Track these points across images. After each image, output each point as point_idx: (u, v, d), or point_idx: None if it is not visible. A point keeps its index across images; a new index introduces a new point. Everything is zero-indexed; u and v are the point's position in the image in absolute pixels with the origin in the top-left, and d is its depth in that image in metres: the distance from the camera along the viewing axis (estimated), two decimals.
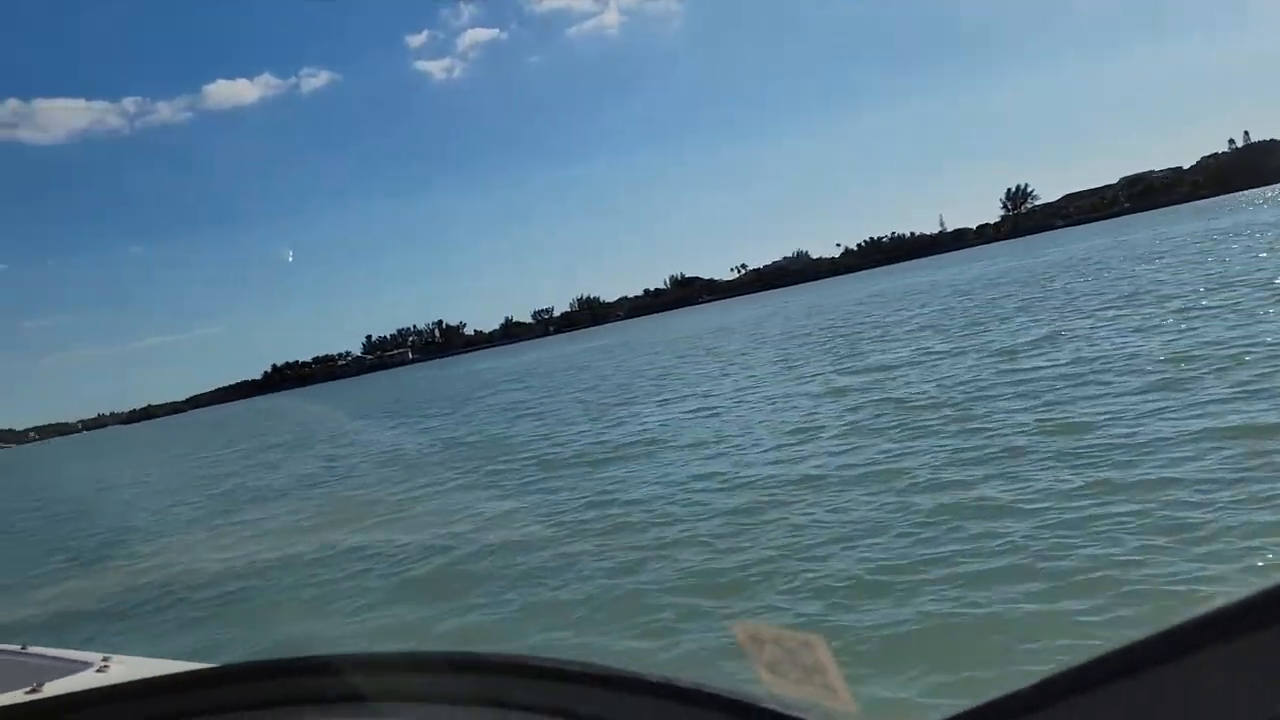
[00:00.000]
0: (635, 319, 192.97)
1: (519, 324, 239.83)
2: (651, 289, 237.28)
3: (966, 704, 0.66)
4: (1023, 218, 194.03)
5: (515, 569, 8.49)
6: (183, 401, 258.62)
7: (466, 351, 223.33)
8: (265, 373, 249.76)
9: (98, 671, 1.89)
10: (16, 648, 2.27)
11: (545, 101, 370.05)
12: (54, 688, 1.63)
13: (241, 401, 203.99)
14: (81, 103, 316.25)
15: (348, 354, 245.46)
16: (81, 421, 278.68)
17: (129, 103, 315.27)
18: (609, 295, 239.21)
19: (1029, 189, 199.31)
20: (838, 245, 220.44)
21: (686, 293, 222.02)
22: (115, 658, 2.00)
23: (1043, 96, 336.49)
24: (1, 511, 27.16)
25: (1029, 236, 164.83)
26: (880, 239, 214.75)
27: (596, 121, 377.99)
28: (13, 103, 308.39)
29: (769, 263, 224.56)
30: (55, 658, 2.11)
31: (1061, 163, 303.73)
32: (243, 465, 25.06)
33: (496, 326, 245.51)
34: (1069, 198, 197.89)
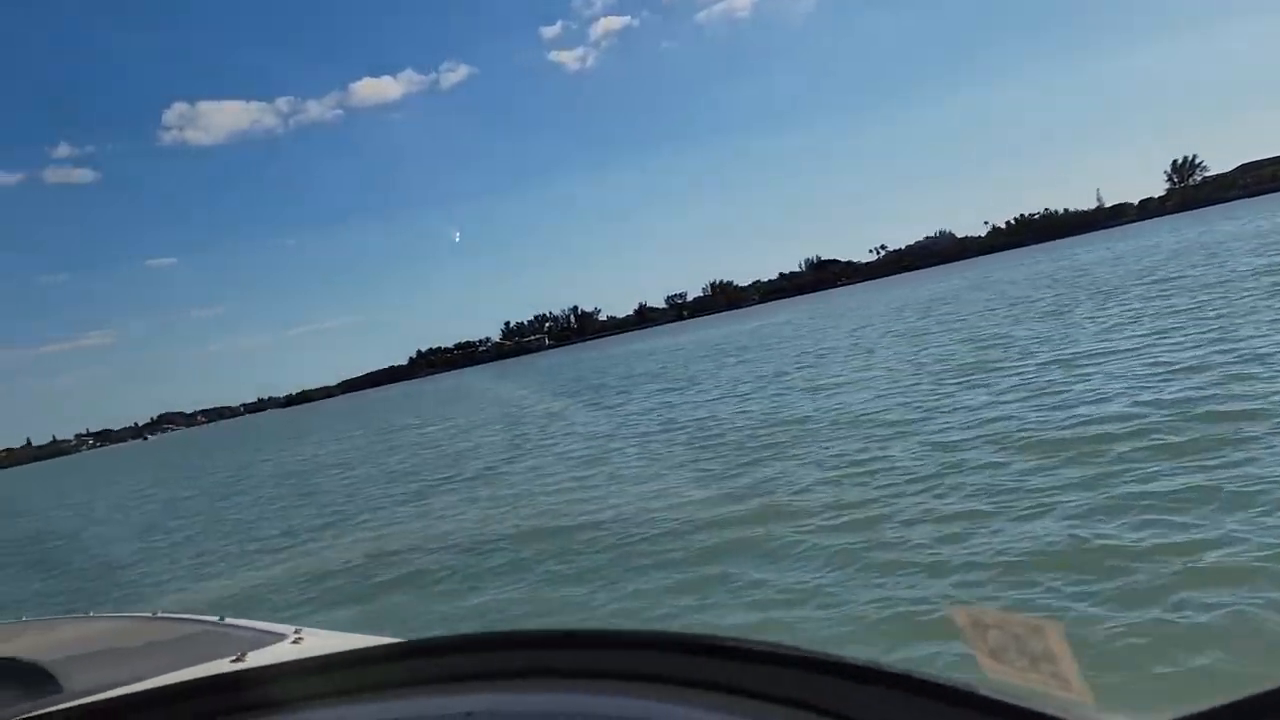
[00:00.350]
0: (770, 303, 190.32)
1: (652, 309, 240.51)
2: (786, 272, 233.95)
3: (1208, 704, 0.62)
4: (1191, 190, 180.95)
5: (738, 551, 7.93)
6: (334, 386, 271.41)
7: (600, 337, 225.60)
8: (410, 358, 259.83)
9: (293, 643, 1.97)
10: (215, 619, 2.36)
11: (677, 86, 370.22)
12: (255, 657, 1.75)
13: (398, 384, 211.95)
14: (240, 104, 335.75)
15: (487, 340, 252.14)
16: (243, 405, 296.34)
17: (282, 102, 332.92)
18: (741, 279, 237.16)
19: (1197, 160, 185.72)
20: (985, 224, 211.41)
21: (823, 275, 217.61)
22: (306, 630, 2.07)
23: (1209, 60, 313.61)
24: (198, 490, 28.44)
25: (1199, 210, 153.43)
26: (1031, 216, 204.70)
27: (728, 104, 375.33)
28: (180, 106, 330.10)
29: (911, 243, 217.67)
30: (252, 629, 2.20)
31: (1233, 132, 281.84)
32: (462, 441, 24.89)
33: (630, 312, 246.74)
34: (1244, 168, 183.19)
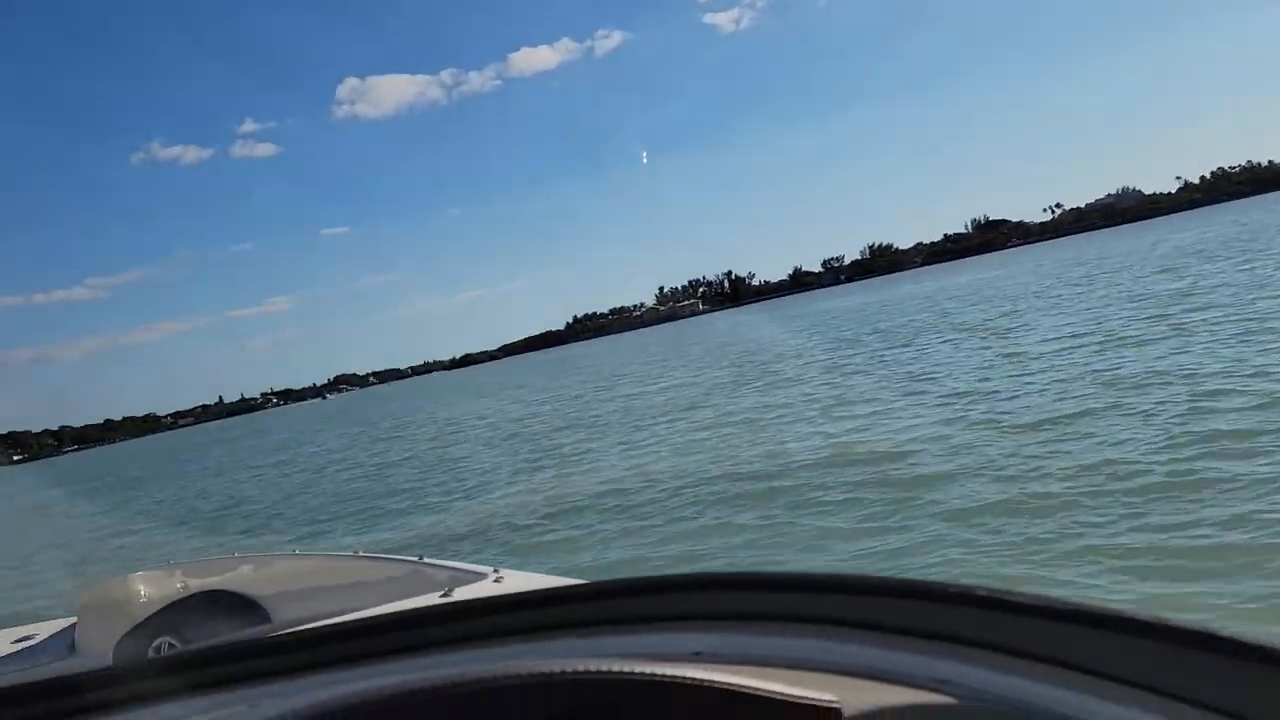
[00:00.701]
0: (933, 266, 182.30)
1: (808, 273, 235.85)
2: (951, 233, 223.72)
3: None
4: None
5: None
6: (495, 350, 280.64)
7: (756, 301, 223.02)
8: (566, 322, 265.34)
9: (494, 581, 2.00)
10: (415, 558, 2.38)
11: (834, 46, 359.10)
12: (461, 593, 1.79)
13: (555, 348, 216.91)
14: (406, 78, 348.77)
15: (640, 305, 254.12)
16: (410, 367, 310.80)
17: (445, 75, 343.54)
18: (902, 242, 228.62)
19: None
20: (1177, 179, 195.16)
21: (991, 237, 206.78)
22: (504, 570, 2.08)
23: None
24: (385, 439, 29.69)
25: None
26: (1229, 170, 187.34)
27: (888, 63, 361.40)
28: (351, 81, 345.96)
29: (1091, 201, 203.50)
30: (452, 568, 2.22)
31: None
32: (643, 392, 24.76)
33: (785, 276, 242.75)
34: None
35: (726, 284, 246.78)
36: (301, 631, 1.14)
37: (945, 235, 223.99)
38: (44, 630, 2.82)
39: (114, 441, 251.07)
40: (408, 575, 2.30)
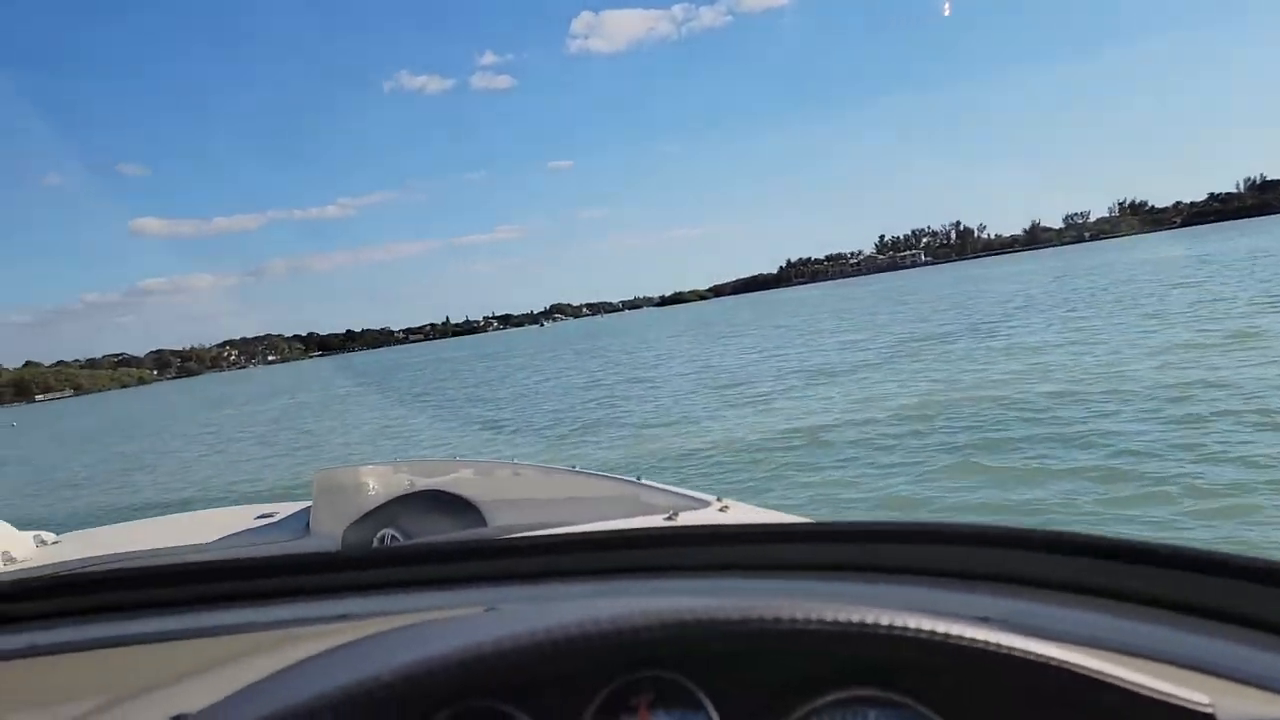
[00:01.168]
0: (1195, 227, 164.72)
1: (1045, 229, 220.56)
2: (1218, 193, 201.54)
3: None
4: None
5: None
6: (705, 290, 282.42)
7: (983, 256, 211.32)
8: (780, 266, 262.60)
9: (719, 510, 1.93)
10: (634, 479, 2.32)
11: None
12: (685, 519, 1.73)
13: (768, 291, 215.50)
14: (639, 12, 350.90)
15: (859, 253, 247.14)
16: (621, 301, 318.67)
17: (677, 9, 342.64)
18: (1158, 200, 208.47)
19: None
20: None
21: (1268, 199, 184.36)
22: (729, 500, 1.99)
23: None
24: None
25: None
26: None
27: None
28: (586, 15, 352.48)
29: None
30: (675, 493, 2.13)
31: None
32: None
33: (1019, 231, 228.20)
34: None
35: (953, 235, 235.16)
36: (533, 538, 1.20)
37: (1211, 194, 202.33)
38: (283, 510, 2.96)
39: (352, 350, 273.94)
40: (627, 495, 2.26)
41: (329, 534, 2.82)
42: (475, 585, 0.97)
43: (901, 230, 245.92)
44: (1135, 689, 0.61)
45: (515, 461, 2.91)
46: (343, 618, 0.84)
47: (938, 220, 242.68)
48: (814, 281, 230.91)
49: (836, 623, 0.63)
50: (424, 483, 2.65)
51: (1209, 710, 0.61)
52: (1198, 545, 0.80)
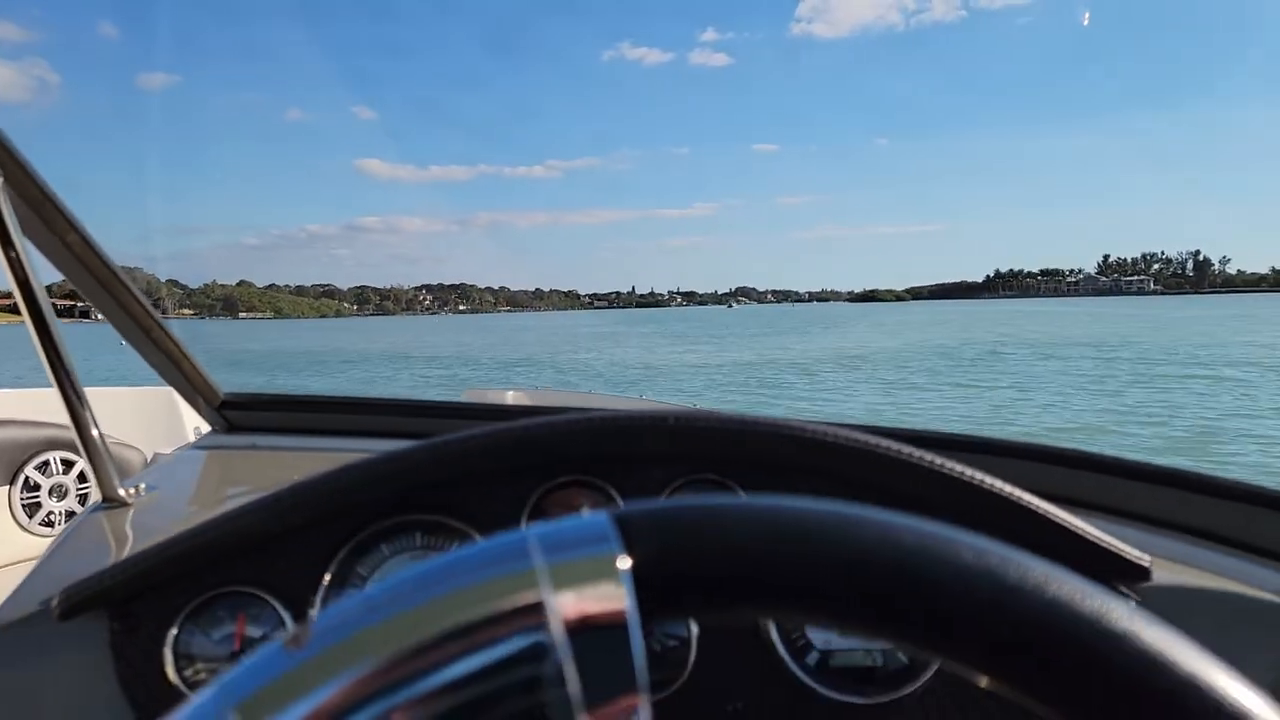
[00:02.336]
0: None
1: None
2: None
3: None
4: None
5: None
6: (901, 290, 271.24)
7: (1223, 291, 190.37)
8: (986, 276, 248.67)
9: None
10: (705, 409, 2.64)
11: None
12: None
13: (972, 300, 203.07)
14: None
15: (1079, 271, 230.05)
16: (809, 293, 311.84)
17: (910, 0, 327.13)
18: None
19: None
20: None
21: None
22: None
23: None
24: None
25: None
26: None
27: None
28: None
29: None
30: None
31: None
32: None
33: (1267, 269, 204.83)
34: None
35: (1191, 265, 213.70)
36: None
37: None
38: None
39: (540, 309, 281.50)
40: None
41: None
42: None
43: (1129, 253, 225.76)
44: (1094, 539, 0.76)
45: (591, 393, 3.36)
46: None
47: (1171, 247, 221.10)
48: (1024, 296, 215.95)
49: (874, 448, 0.77)
50: (557, 405, 2.83)
51: (1145, 563, 0.77)
52: (1175, 466, 0.98)
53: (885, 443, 0.77)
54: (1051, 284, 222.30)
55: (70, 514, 2.46)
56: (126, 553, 0.94)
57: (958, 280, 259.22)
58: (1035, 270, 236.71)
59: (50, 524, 2.43)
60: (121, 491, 1.09)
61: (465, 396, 3.21)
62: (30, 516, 2.37)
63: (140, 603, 0.78)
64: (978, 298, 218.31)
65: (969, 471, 0.77)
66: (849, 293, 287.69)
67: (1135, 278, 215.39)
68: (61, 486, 2.44)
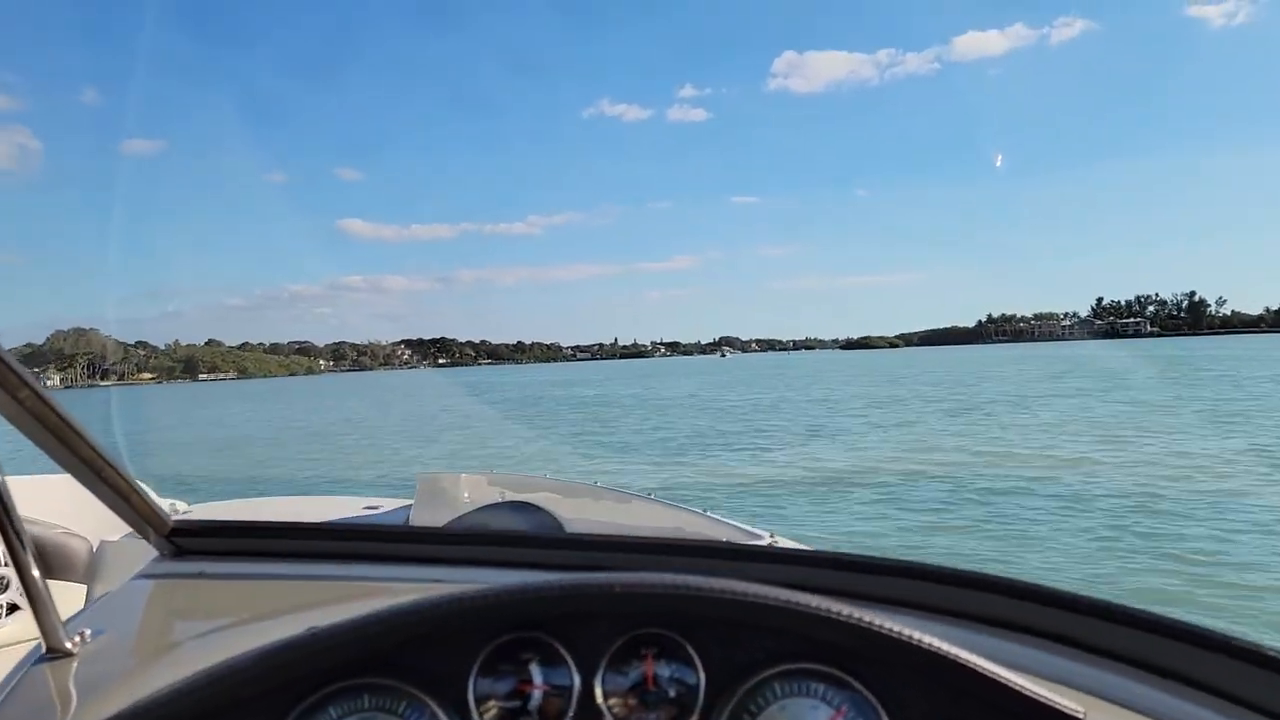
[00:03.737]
0: None
1: None
2: None
3: None
4: None
5: None
6: (892, 336, 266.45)
7: (1221, 333, 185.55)
8: (979, 321, 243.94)
9: (766, 542, 2.22)
10: (700, 511, 2.64)
11: None
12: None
13: (966, 347, 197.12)
14: (843, 54, 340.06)
15: (1073, 315, 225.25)
16: (793, 341, 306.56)
17: (882, 54, 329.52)
18: None
19: None
20: None
21: None
22: (780, 538, 2.25)
23: None
24: None
25: None
26: None
27: None
28: (789, 55, 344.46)
29: None
30: (733, 526, 2.42)
31: None
32: None
33: (1263, 310, 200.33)
34: None
35: (1184, 306, 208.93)
36: (590, 536, 1.53)
37: None
38: (388, 504, 3.11)
39: (521, 362, 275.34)
40: (689, 523, 2.52)
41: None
42: (536, 569, 1.18)
43: (1122, 295, 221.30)
44: (1027, 693, 0.79)
45: (597, 485, 3.19)
46: (435, 581, 1.02)
47: (1165, 289, 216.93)
48: (1016, 341, 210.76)
49: (806, 607, 0.82)
50: (513, 495, 2.77)
51: (1079, 715, 0.79)
52: (1103, 597, 1.03)
53: (827, 606, 0.82)
54: (1046, 327, 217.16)
55: (12, 607, 2.40)
56: (72, 714, 0.95)
57: (948, 325, 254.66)
58: (1028, 314, 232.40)
59: None
60: (66, 642, 1.08)
61: (419, 482, 3.04)
62: None
63: None
64: (970, 343, 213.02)
65: (899, 629, 0.81)
66: (835, 340, 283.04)
67: (1131, 320, 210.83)
68: (2, 579, 2.37)
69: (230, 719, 0.79)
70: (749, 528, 2.33)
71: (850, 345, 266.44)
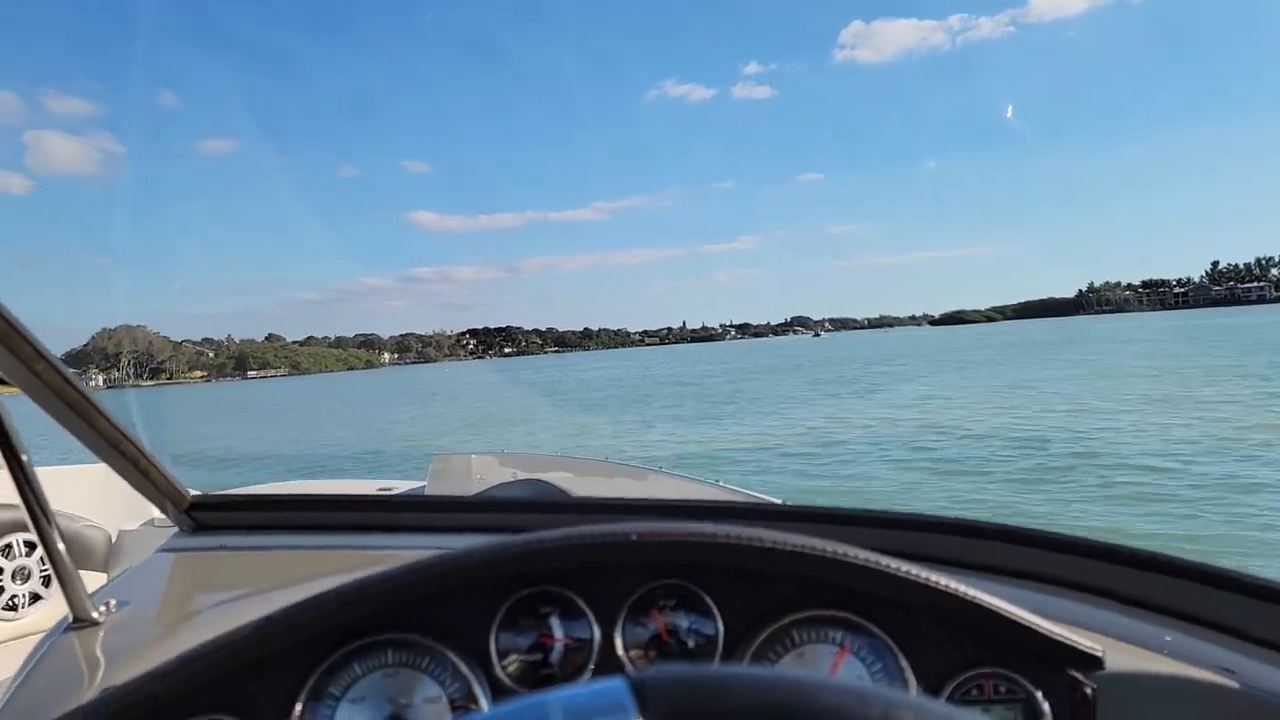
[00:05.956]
0: None
1: None
2: None
3: None
4: None
5: None
6: (985, 310, 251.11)
7: None
8: (1079, 291, 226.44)
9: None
10: (714, 483, 2.60)
11: None
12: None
13: (1065, 319, 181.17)
14: (913, 22, 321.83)
15: (1186, 280, 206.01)
16: (867, 319, 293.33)
17: (954, 20, 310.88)
18: None
19: None
20: None
21: None
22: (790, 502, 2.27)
23: None
24: None
25: None
26: None
27: None
28: (856, 25, 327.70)
29: None
30: (744, 494, 2.41)
31: None
32: None
33: None
34: None
35: None
36: (601, 499, 1.55)
37: None
38: (401, 485, 3.06)
39: (588, 349, 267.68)
40: (703, 491, 2.48)
41: None
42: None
43: (1241, 258, 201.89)
44: (1045, 632, 0.81)
45: (608, 460, 3.19)
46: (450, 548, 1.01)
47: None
48: (1122, 311, 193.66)
49: (822, 552, 0.81)
50: (525, 474, 2.73)
51: (1097, 653, 0.81)
52: (1119, 542, 1.05)
53: (844, 550, 0.82)
54: (1155, 296, 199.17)
55: (35, 596, 2.51)
56: (100, 679, 0.97)
57: (1045, 297, 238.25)
58: (1135, 282, 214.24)
59: (14, 607, 2.46)
60: (93, 612, 1.12)
61: (432, 463, 2.97)
62: None
63: None
64: (1070, 314, 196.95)
65: (916, 571, 0.81)
66: (913, 317, 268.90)
67: (1253, 285, 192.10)
68: (25, 569, 2.46)
69: (256, 676, 0.80)
70: (763, 496, 2.30)
71: (942, 321, 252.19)
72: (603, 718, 0.34)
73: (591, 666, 0.83)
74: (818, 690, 0.35)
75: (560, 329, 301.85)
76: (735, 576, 0.84)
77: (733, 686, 0.36)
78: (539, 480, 2.48)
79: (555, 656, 0.84)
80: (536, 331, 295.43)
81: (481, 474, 2.82)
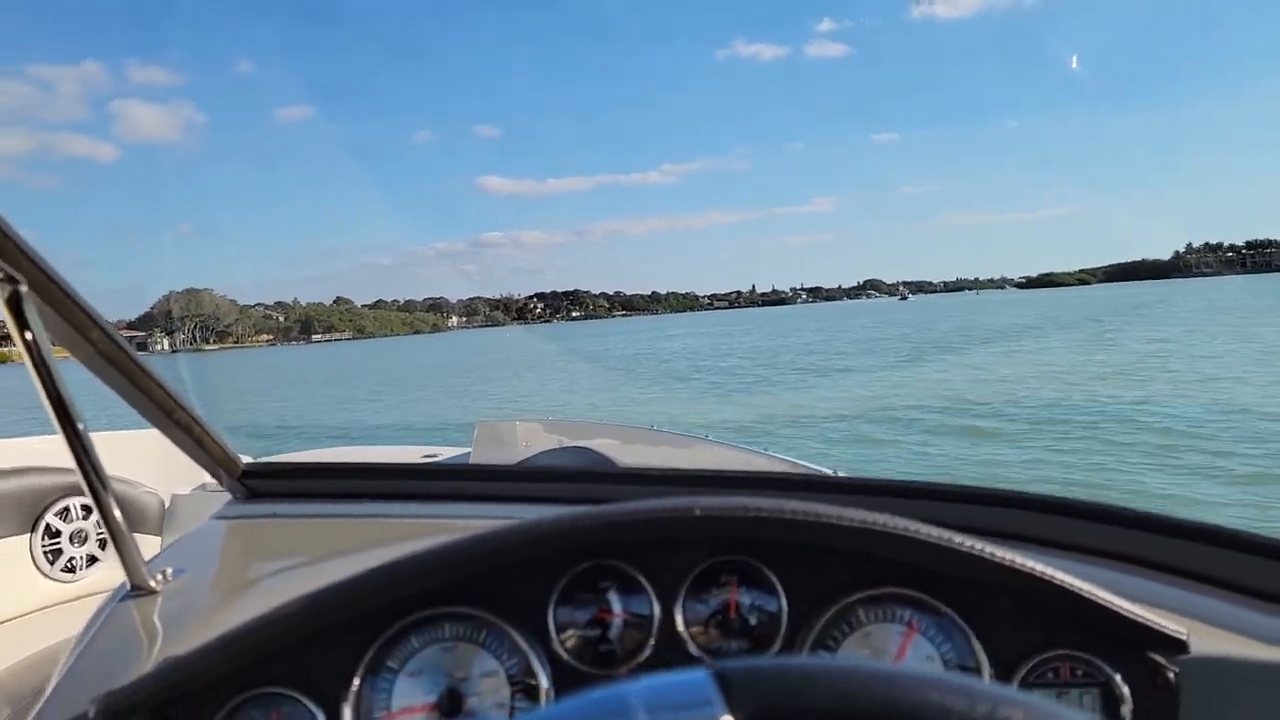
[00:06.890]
0: None
1: None
2: None
3: None
4: None
5: None
6: (1073, 272, 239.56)
7: None
8: (1175, 253, 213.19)
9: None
10: (761, 450, 2.53)
11: None
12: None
13: (1160, 282, 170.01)
14: None
15: None
16: (943, 282, 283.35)
17: None
18: None
19: None
20: None
21: None
22: (843, 473, 2.17)
23: None
24: None
25: None
26: None
27: None
28: None
29: None
30: (793, 463, 2.30)
31: None
32: None
33: None
34: None
35: None
36: (652, 470, 1.55)
37: None
38: (446, 452, 3.04)
39: (657, 313, 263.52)
40: (752, 460, 2.41)
41: None
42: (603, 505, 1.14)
43: None
44: (1128, 614, 0.78)
45: (655, 429, 3.08)
46: (502, 518, 0.98)
47: None
48: (1223, 274, 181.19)
49: (892, 529, 0.78)
50: (570, 441, 2.71)
51: (1182, 636, 0.79)
52: (1206, 521, 0.99)
53: (915, 526, 0.79)
54: (1263, 257, 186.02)
55: (91, 559, 2.49)
56: (158, 648, 0.98)
57: (1138, 259, 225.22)
58: (1238, 243, 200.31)
59: (72, 569, 2.45)
60: (150, 580, 1.13)
61: (477, 430, 2.90)
62: (52, 563, 2.38)
63: (176, 707, 0.79)
64: (1166, 277, 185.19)
65: (991, 550, 0.78)
66: (992, 280, 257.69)
67: None
68: (82, 532, 2.46)
69: (315, 649, 0.80)
70: (812, 466, 2.25)
71: (1032, 284, 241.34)
72: (687, 712, 0.32)
73: (652, 643, 0.81)
74: (920, 686, 0.33)
75: (628, 292, 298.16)
76: (800, 553, 0.82)
77: (824, 680, 0.34)
78: (584, 448, 2.39)
79: (614, 633, 0.82)
80: (604, 295, 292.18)
81: (527, 440, 2.72)
